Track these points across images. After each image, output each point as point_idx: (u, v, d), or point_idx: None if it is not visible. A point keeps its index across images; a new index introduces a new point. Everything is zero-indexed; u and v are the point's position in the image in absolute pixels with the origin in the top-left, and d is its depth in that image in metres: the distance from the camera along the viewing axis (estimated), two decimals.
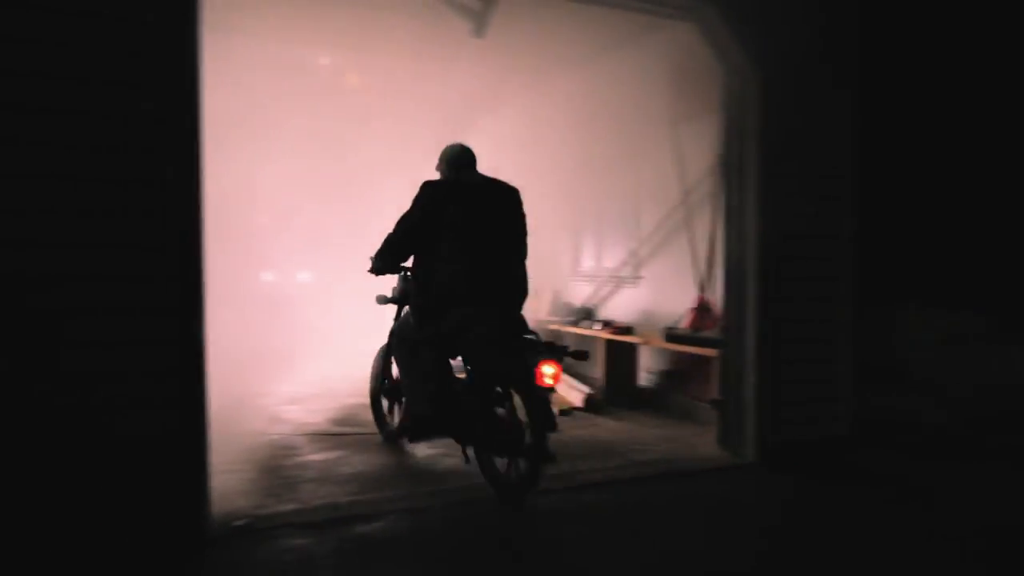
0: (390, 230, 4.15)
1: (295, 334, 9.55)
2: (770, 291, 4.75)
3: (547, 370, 3.53)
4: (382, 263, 4.28)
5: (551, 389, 3.58)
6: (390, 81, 7.83)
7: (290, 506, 3.71)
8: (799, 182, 4.79)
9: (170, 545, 3.14)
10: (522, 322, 3.99)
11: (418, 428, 4.36)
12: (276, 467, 4.48)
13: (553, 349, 3.63)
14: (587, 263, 8.13)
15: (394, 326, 4.76)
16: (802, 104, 4.77)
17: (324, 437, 5.29)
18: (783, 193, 4.74)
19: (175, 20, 3.11)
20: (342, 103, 8.30)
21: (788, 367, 4.81)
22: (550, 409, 3.58)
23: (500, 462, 3.90)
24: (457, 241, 3.90)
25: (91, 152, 2.99)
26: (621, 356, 6.68)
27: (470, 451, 4.07)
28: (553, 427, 3.53)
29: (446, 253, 3.92)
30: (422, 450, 4.89)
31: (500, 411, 3.88)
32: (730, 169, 4.85)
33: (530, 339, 3.76)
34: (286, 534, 3.33)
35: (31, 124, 2.90)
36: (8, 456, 2.86)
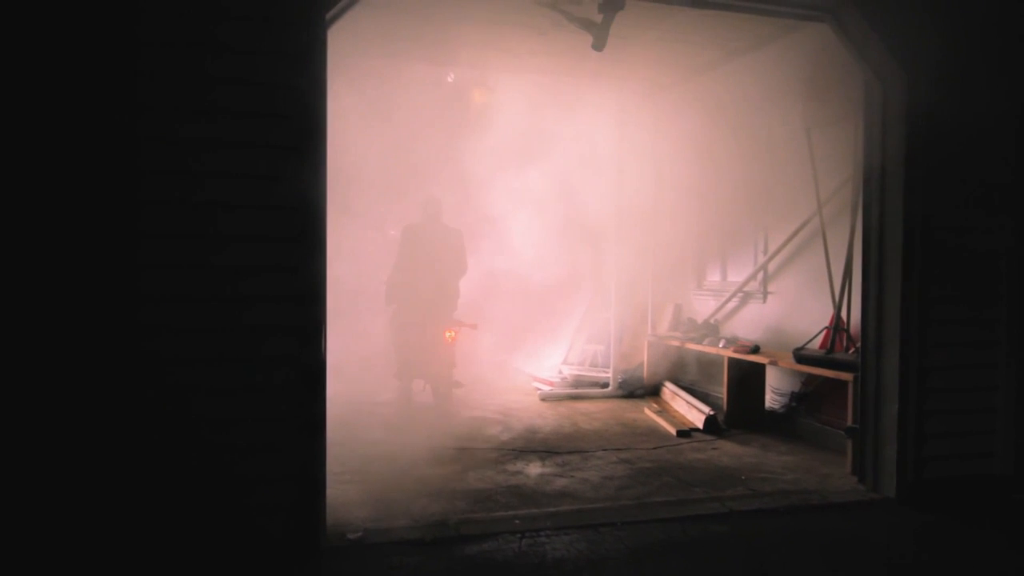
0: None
1: None
2: (915, 312, 4.35)
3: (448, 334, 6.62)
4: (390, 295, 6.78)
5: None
6: (513, 97, 7.90)
7: (403, 521, 3.79)
8: (950, 193, 4.36)
9: (287, 553, 3.29)
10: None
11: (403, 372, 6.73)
12: (395, 479, 4.60)
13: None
14: (712, 277, 7.82)
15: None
16: (956, 109, 4.31)
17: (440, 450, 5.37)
18: (932, 204, 4.32)
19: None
20: (467, 118, 8.46)
21: (936, 395, 4.38)
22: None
23: None
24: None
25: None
26: (747, 376, 6.36)
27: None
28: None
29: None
30: (535, 469, 4.87)
31: None
32: (871, 179, 4.48)
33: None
34: (398, 551, 3.40)
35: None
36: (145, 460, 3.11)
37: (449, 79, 7.95)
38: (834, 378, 5.12)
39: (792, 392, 6.20)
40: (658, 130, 7.75)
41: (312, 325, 3.36)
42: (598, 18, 5.31)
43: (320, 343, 3.39)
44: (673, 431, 6.09)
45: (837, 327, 5.34)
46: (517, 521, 3.82)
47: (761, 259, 6.78)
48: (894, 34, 4.23)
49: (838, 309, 5.45)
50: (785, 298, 6.52)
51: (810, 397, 5.97)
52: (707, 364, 7.31)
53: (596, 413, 7.00)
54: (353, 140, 7.06)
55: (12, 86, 2.92)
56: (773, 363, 5.90)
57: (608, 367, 8.18)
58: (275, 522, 3.32)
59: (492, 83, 7.77)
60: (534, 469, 4.88)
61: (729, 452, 5.49)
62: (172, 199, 3.18)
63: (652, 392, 7.82)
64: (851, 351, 5.19)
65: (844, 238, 5.43)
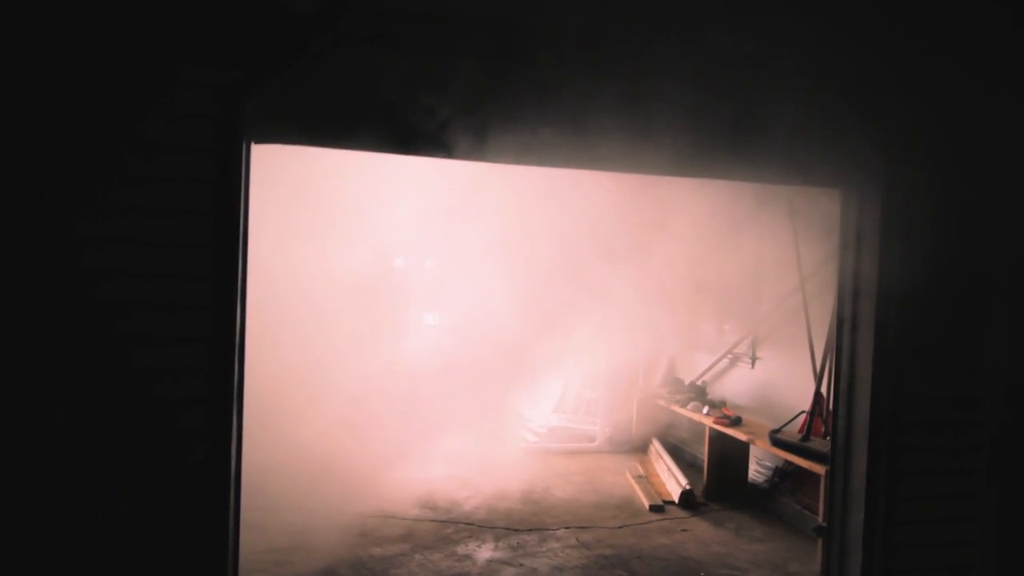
0: None
1: None
2: (885, 413, 4.05)
3: None
4: None
5: None
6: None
7: None
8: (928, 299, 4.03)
9: None
10: None
11: None
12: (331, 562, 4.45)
13: None
14: (704, 334, 7.54)
15: None
16: (938, 210, 3.96)
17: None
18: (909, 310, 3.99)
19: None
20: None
21: (907, 504, 4.08)
22: None
23: None
24: None
25: None
26: (729, 447, 6.08)
27: None
28: None
29: None
30: (485, 554, 4.68)
31: None
32: (844, 273, 4.18)
33: None
34: None
35: None
36: None
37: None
38: (807, 469, 4.84)
39: (776, 467, 5.91)
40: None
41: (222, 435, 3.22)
42: None
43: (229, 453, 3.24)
44: (647, 504, 5.84)
45: (814, 412, 5.05)
46: None
47: (750, 323, 6.50)
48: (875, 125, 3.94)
49: (817, 392, 5.15)
50: (773, 366, 6.24)
51: (792, 476, 5.68)
52: (697, 423, 7.03)
53: (575, 474, 6.78)
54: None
55: None
56: (751, 442, 5.62)
57: (599, 416, 7.96)
58: None
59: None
60: (484, 553, 4.69)
61: (699, 536, 5.22)
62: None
63: (640, 448, 7.58)
64: (829, 438, 4.90)
65: (829, 311, 5.14)
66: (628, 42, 3.54)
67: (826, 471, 4.43)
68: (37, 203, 2.92)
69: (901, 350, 3.89)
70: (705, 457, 6.18)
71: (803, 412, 5.15)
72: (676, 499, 5.88)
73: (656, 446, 7.21)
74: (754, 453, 6.14)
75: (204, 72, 3.10)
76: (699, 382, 7.01)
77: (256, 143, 3.25)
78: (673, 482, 6.16)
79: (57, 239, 2.95)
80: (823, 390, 5.16)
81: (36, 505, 2.91)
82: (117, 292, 3.01)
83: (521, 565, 4.52)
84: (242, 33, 3.15)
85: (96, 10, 2.93)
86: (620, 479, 6.64)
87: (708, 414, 6.23)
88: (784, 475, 5.80)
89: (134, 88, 3.00)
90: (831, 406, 4.54)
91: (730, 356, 6.81)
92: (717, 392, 6.91)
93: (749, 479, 6.16)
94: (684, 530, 5.33)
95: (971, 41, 3.86)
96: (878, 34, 3.75)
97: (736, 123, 3.66)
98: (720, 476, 6.10)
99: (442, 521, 5.26)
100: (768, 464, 6.06)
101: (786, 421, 5.25)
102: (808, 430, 5.01)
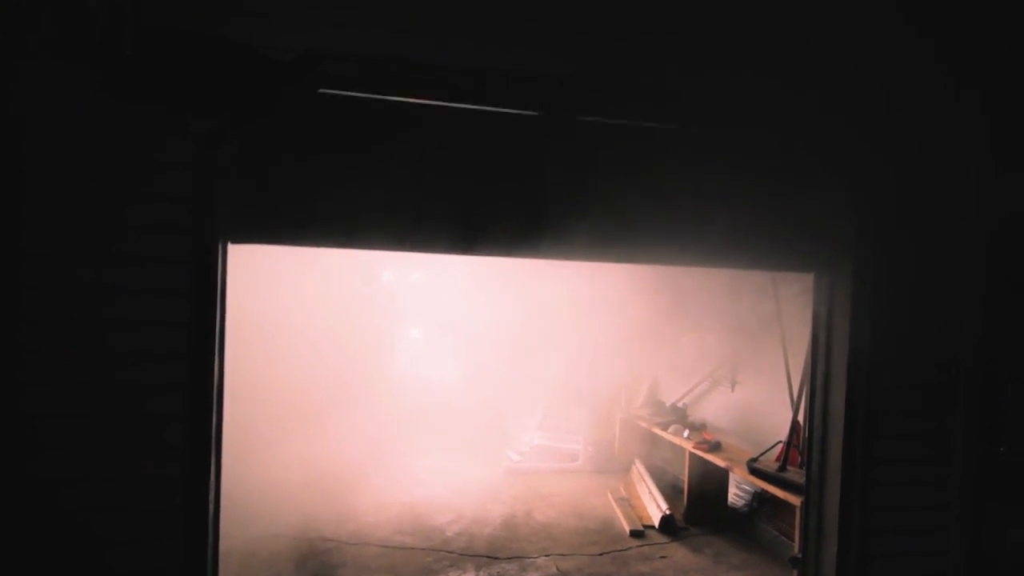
0: None
1: None
2: (859, 447, 4.11)
3: None
4: None
5: None
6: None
7: None
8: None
9: None
10: None
11: None
12: None
13: None
14: (685, 356, 7.59)
15: None
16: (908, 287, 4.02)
17: None
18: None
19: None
20: None
21: (878, 539, 4.14)
22: None
23: None
24: None
25: None
26: (710, 472, 6.13)
27: None
28: None
29: None
30: None
31: None
32: (817, 341, 4.22)
33: None
34: None
35: None
36: None
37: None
38: (783, 499, 4.89)
39: (755, 492, 5.97)
40: None
41: None
42: None
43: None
44: (627, 528, 5.88)
45: (790, 442, 5.11)
46: None
47: (728, 347, 6.56)
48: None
49: (794, 421, 5.21)
50: (752, 389, 6.31)
51: (771, 501, 5.73)
52: (678, 445, 7.08)
53: (557, 496, 6.82)
54: None
55: None
56: (730, 469, 5.67)
57: (582, 434, 8.00)
58: None
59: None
60: None
61: (677, 563, 5.27)
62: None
63: (623, 467, 7.62)
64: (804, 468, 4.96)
65: (806, 337, 5.20)
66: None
67: (801, 502, 4.50)
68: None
69: (872, 411, 3.99)
70: (685, 480, 6.23)
71: (780, 442, 5.20)
72: (656, 524, 5.92)
73: (638, 467, 7.26)
74: (734, 477, 6.20)
75: (182, 120, 3.14)
76: (680, 404, 7.07)
77: (232, 243, 3.26)
78: (654, 506, 6.21)
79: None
80: (800, 418, 5.22)
81: None
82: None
83: None
84: (220, 86, 3.17)
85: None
86: (602, 501, 6.69)
87: (688, 438, 6.29)
88: (763, 500, 5.85)
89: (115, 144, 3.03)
90: (806, 434, 4.57)
91: (710, 379, 6.87)
92: (698, 414, 6.97)
93: (729, 502, 6.21)
94: (663, 556, 5.38)
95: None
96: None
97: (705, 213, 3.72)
98: (700, 499, 6.15)
99: (423, 549, 5.28)
100: (747, 488, 6.11)
101: (764, 450, 5.31)
102: (785, 460, 5.06)
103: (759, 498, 5.92)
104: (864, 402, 3.99)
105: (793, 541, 5.11)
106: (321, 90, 3.26)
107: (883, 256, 3.92)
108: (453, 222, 3.48)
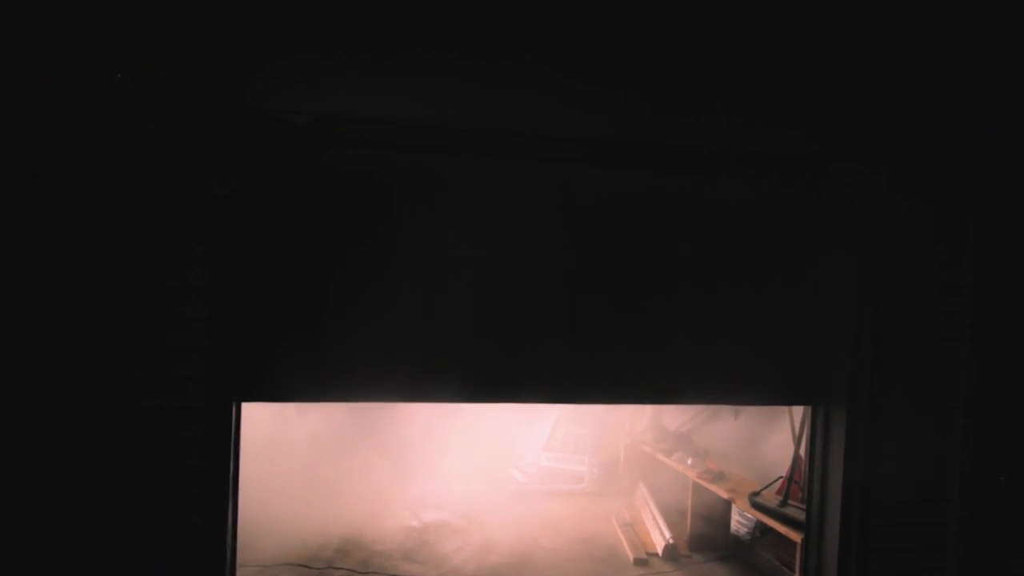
0: None
1: None
2: (857, 487, 4.21)
3: None
4: None
5: None
6: None
7: None
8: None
9: None
10: None
11: None
12: None
13: None
14: None
15: None
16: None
17: None
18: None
19: None
20: None
21: None
22: None
23: None
24: None
25: None
26: (714, 496, 6.22)
27: None
28: None
29: None
30: None
31: None
32: (813, 470, 4.38)
33: None
34: None
35: None
36: None
37: None
38: (784, 534, 4.98)
39: (757, 521, 6.05)
40: None
41: None
42: None
43: None
44: (631, 556, 5.98)
45: (792, 478, 5.19)
46: None
47: None
48: None
49: (796, 457, 5.29)
50: (755, 419, 6.38)
51: (772, 532, 5.81)
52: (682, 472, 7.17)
53: (563, 520, 6.92)
54: None
55: None
56: (732, 500, 5.76)
57: (587, 455, 8.09)
58: None
59: None
60: None
61: None
62: None
63: (628, 490, 7.71)
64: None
65: None
66: None
67: (802, 539, 4.58)
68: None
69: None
70: (689, 507, 6.32)
71: (780, 478, 5.29)
72: (660, 552, 6.02)
73: (643, 491, 7.35)
74: (735, 506, 6.29)
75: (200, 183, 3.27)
76: (683, 429, 7.15)
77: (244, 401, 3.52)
78: (657, 532, 6.30)
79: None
80: (801, 451, 5.31)
81: None
82: None
83: None
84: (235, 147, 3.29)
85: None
86: (606, 527, 6.78)
87: (692, 465, 6.38)
88: (765, 530, 5.93)
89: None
90: (807, 469, 4.65)
91: (713, 407, 6.95)
92: (702, 440, 7.05)
93: (732, 530, 6.30)
94: None
95: None
96: None
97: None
98: (703, 527, 6.24)
99: None
100: (750, 517, 6.19)
101: (766, 484, 5.40)
102: (786, 495, 5.15)
103: (761, 527, 5.99)
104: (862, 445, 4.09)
105: (794, 571, 5.20)
106: None
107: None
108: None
